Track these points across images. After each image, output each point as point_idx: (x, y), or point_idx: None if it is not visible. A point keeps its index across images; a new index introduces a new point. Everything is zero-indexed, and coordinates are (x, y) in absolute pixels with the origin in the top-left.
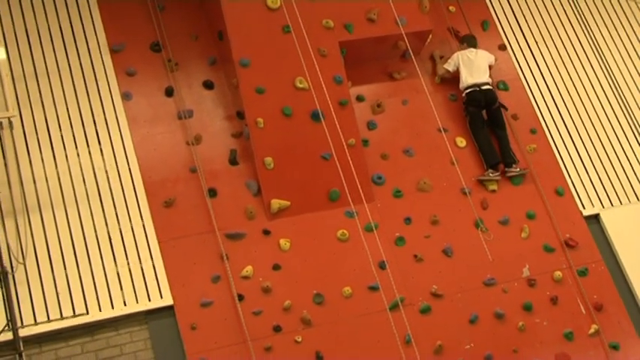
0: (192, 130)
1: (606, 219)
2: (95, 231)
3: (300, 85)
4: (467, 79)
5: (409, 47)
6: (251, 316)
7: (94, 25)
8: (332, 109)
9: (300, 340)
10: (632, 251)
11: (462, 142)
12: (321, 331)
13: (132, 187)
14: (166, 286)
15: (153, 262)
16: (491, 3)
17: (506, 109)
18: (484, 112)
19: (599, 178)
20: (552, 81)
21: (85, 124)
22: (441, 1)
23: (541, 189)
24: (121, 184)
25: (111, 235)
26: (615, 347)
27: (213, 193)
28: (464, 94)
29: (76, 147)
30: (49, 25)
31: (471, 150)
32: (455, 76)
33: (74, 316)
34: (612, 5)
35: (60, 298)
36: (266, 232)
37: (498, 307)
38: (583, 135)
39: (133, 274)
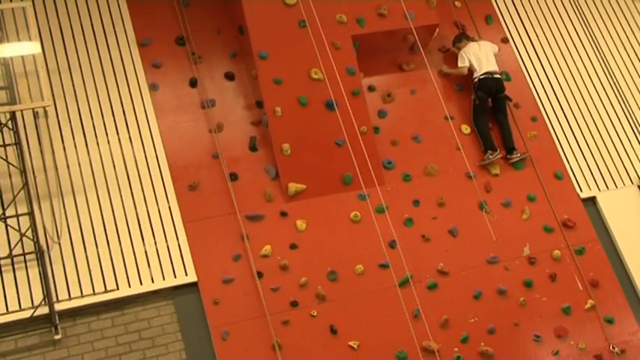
0: (215, 119)
1: (602, 201)
2: (125, 213)
3: (315, 76)
4: (481, 68)
5: (417, 40)
6: (269, 292)
7: (122, 21)
8: (345, 99)
9: (315, 314)
10: (626, 231)
11: (466, 129)
12: (335, 306)
13: (159, 172)
14: (191, 264)
15: (178, 242)
16: None
17: (510, 100)
18: (489, 100)
19: (596, 163)
20: (552, 72)
21: (115, 114)
22: None
23: (540, 173)
24: (149, 169)
25: (139, 217)
26: (610, 321)
27: (234, 177)
28: (476, 80)
29: (107, 134)
30: (81, 22)
31: (475, 137)
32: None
33: (105, 291)
34: (609, 1)
35: (92, 275)
36: (283, 214)
37: (501, 284)
38: (580, 122)
39: (160, 252)
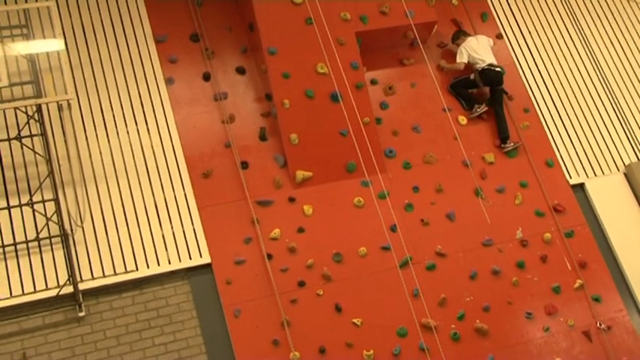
0: (227, 111)
1: (590, 187)
2: (143, 198)
3: (321, 71)
4: (483, 60)
5: (417, 37)
6: (279, 273)
7: (140, 19)
8: (349, 92)
9: (321, 293)
10: (612, 216)
11: (463, 120)
12: (340, 285)
13: (174, 161)
14: (205, 246)
15: (193, 226)
16: None
17: (506, 93)
18: (488, 91)
19: (584, 152)
20: (543, 66)
21: (133, 106)
22: None
23: (533, 161)
24: (165, 158)
25: (157, 202)
26: (597, 299)
27: (245, 165)
28: (480, 69)
29: (126, 125)
30: (102, 20)
31: (471, 127)
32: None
33: (125, 272)
34: (598, 0)
35: (113, 257)
36: (291, 200)
37: (495, 265)
38: (570, 113)
39: (176, 236)
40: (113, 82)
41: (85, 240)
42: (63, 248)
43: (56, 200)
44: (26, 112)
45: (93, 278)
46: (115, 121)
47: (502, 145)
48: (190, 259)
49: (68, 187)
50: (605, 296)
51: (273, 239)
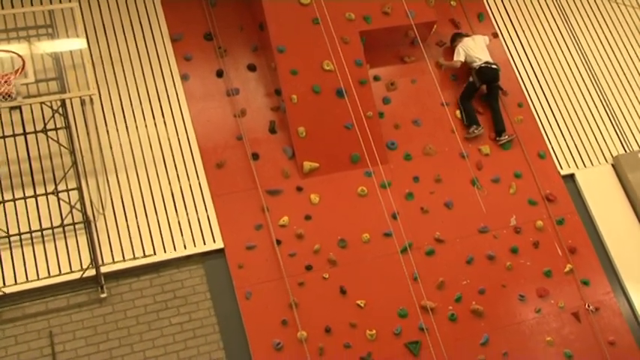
0: (239, 105)
1: (580, 178)
2: (160, 187)
3: (327, 68)
4: (480, 58)
5: (417, 36)
6: (287, 258)
7: (157, 19)
8: (353, 87)
9: (327, 276)
10: (600, 204)
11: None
12: (345, 269)
13: (190, 152)
14: (218, 232)
15: (207, 213)
16: None
17: (502, 89)
18: (485, 87)
19: (575, 144)
20: (536, 63)
21: (151, 101)
22: None
23: (526, 153)
24: (181, 150)
25: (173, 191)
26: (586, 283)
27: (255, 156)
28: (476, 67)
29: (144, 119)
30: (121, 20)
31: (461, 118)
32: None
33: (144, 256)
34: (588, 2)
35: (133, 242)
36: (299, 189)
37: (490, 250)
38: (561, 108)
39: (191, 222)
40: (132, 78)
41: (106, 226)
42: (86, 234)
43: (79, 189)
44: (51, 107)
45: (114, 262)
46: (134, 115)
47: (497, 138)
48: (204, 244)
49: (91, 176)
50: (593, 280)
51: (282, 226)
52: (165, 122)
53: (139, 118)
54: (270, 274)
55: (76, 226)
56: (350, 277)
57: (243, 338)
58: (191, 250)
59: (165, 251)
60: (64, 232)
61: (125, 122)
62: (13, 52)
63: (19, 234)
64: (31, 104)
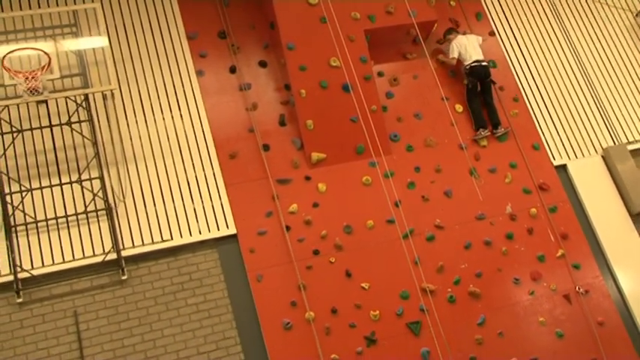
0: (250, 99)
1: (572, 168)
2: (177, 177)
3: (334, 64)
4: (471, 56)
5: (419, 34)
6: (296, 243)
7: (174, 18)
8: (358, 83)
9: (333, 260)
10: (591, 193)
11: (459, 108)
12: (350, 254)
13: (204, 143)
14: (231, 219)
15: (221, 201)
16: None
17: (495, 83)
18: (478, 84)
19: (567, 137)
20: (531, 60)
21: (168, 95)
22: None
23: (521, 144)
24: (196, 141)
25: (189, 180)
26: (577, 267)
27: (266, 147)
28: (468, 67)
29: (162, 112)
30: (141, 19)
31: (466, 114)
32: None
33: (162, 241)
34: (580, 3)
35: (151, 228)
36: (307, 178)
37: (487, 236)
38: (554, 102)
39: (206, 209)
40: (150, 74)
41: (126, 213)
42: (107, 220)
43: (101, 178)
44: (75, 101)
45: (134, 246)
46: (152, 108)
47: (494, 131)
48: (218, 230)
49: (112, 166)
50: (583, 264)
51: (291, 213)
52: (181, 115)
53: (157, 112)
54: (280, 258)
55: (99, 213)
56: (355, 261)
57: (255, 318)
58: (206, 236)
59: (181, 236)
60: (88, 219)
61: (144, 115)
62: (40, 50)
63: (46, 220)
64: (56, 98)
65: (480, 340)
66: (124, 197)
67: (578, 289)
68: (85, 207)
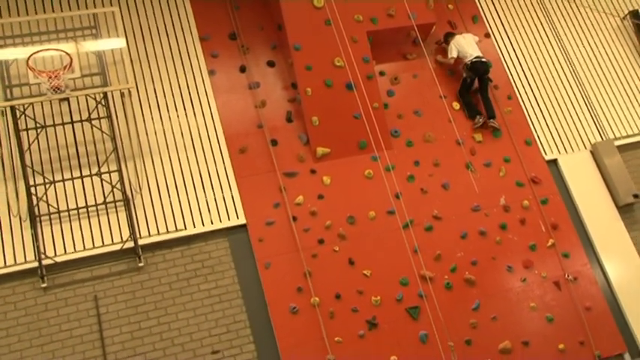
0: (259, 97)
1: (562, 163)
2: (190, 170)
3: (338, 64)
4: (471, 54)
5: (418, 35)
6: (302, 232)
7: (188, 21)
8: (361, 82)
9: (337, 249)
10: (580, 186)
11: (456, 105)
12: (353, 243)
13: (216, 139)
14: (241, 210)
15: (231, 193)
16: (480, 2)
17: (491, 80)
18: (476, 79)
19: (557, 133)
20: (524, 60)
21: (182, 93)
22: (443, 0)
23: (514, 140)
24: (208, 137)
25: (201, 173)
26: (566, 256)
27: (274, 142)
28: (469, 63)
29: (176, 109)
30: (156, 22)
31: (463, 111)
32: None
33: (176, 230)
34: (571, 6)
35: (166, 218)
36: (313, 171)
37: (482, 227)
38: (546, 100)
39: (218, 201)
40: (166, 73)
41: (143, 204)
42: (125, 210)
43: (120, 171)
44: (95, 99)
45: (150, 235)
46: (167, 105)
47: (490, 120)
48: (229, 220)
49: (129, 160)
50: (572, 253)
51: (297, 204)
52: (194, 112)
53: (171, 109)
54: (287, 247)
55: (117, 204)
56: (357, 249)
57: (263, 303)
58: (217, 225)
59: (194, 226)
60: (107, 209)
61: (159, 112)
62: (62, 51)
63: (68, 210)
64: (77, 96)
65: (475, 324)
66: (140, 189)
67: (567, 276)
68: (104, 198)
